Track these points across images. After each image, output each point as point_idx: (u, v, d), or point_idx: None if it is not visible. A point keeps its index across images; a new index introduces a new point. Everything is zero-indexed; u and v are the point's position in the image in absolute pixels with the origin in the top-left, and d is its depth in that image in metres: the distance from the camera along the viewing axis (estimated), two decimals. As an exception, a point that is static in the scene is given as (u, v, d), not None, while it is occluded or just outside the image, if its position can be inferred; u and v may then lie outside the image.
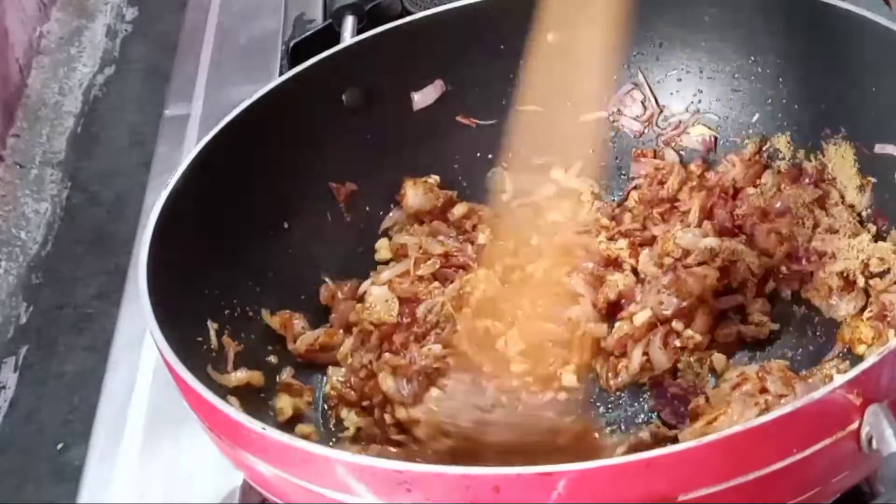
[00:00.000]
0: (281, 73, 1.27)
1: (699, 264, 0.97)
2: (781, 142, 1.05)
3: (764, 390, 0.86)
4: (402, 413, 0.89)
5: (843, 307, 0.93)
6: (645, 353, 0.93)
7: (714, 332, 0.95)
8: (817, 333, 0.94)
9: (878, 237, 0.96)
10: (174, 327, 0.80)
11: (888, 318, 0.89)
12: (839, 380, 0.67)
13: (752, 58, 1.05)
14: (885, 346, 0.69)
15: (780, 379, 0.86)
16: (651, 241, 1.02)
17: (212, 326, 0.90)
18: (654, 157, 1.10)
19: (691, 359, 0.93)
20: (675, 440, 0.87)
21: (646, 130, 1.11)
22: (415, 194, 1.06)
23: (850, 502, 0.80)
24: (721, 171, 1.06)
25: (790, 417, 0.66)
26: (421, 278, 1.00)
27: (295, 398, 0.93)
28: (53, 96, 1.47)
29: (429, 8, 1.09)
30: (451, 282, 1.00)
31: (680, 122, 1.10)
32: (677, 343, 0.93)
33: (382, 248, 1.06)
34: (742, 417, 0.82)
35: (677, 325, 0.93)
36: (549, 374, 0.94)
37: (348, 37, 1.17)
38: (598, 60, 0.99)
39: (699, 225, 1.02)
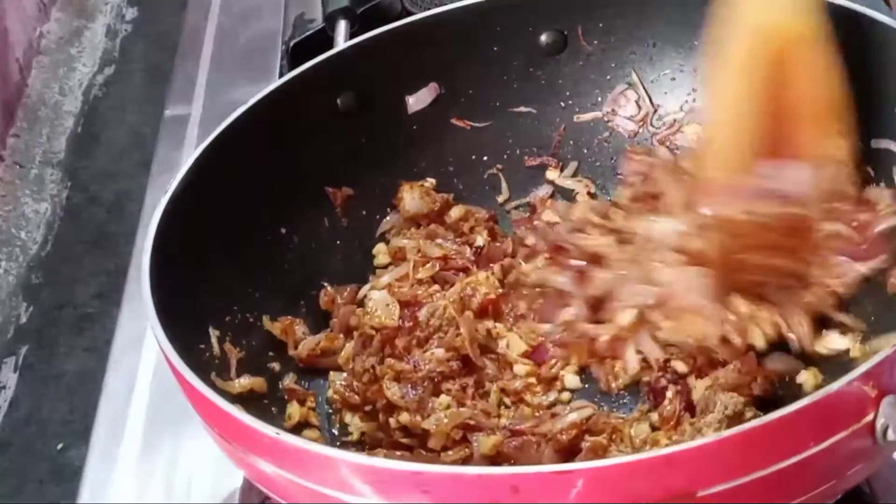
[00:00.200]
0: (281, 74, 1.27)
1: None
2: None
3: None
4: (405, 418, 0.89)
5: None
6: (639, 351, 0.93)
7: None
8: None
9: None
10: (178, 335, 0.80)
11: None
12: (854, 372, 0.68)
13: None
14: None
15: None
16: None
17: (213, 333, 0.90)
18: (648, 155, 1.10)
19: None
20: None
21: (640, 130, 1.11)
22: (411, 198, 1.06)
23: (851, 502, 0.81)
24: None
25: (807, 411, 0.66)
26: (420, 282, 1.00)
27: (300, 404, 0.93)
28: (53, 96, 1.47)
29: (429, 8, 1.10)
30: (451, 285, 0.99)
31: (675, 121, 1.10)
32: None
33: (380, 253, 1.06)
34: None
35: (655, 315, 0.93)
36: (552, 376, 0.94)
37: (341, 41, 1.17)
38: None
39: (684, 213, 1.01)
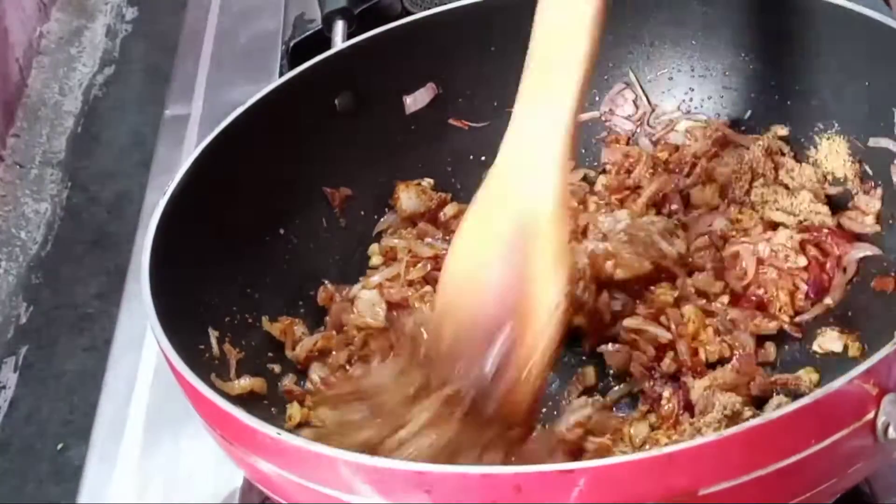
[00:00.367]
0: (281, 74, 1.27)
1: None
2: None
3: None
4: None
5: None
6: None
7: None
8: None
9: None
10: (178, 336, 0.80)
11: None
12: (855, 370, 0.68)
13: (744, 55, 1.06)
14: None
15: None
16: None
17: (213, 334, 0.90)
18: (627, 144, 1.10)
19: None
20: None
21: (638, 129, 1.11)
22: (408, 197, 1.06)
23: (851, 502, 0.81)
24: (680, 144, 1.07)
25: (807, 409, 0.66)
26: (411, 283, 1.00)
27: (300, 404, 0.93)
28: (53, 96, 1.47)
29: (429, 8, 1.09)
30: None
31: (672, 120, 1.10)
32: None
33: (375, 254, 1.06)
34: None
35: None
36: None
37: (339, 41, 1.17)
38: None
39: (646, 209, 1.02)
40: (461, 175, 1.11)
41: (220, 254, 0.94)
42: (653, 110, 1.11)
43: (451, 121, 1.11)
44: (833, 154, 1.00)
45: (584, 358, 0.95)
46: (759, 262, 0.96)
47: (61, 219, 1.33)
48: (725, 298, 0.95)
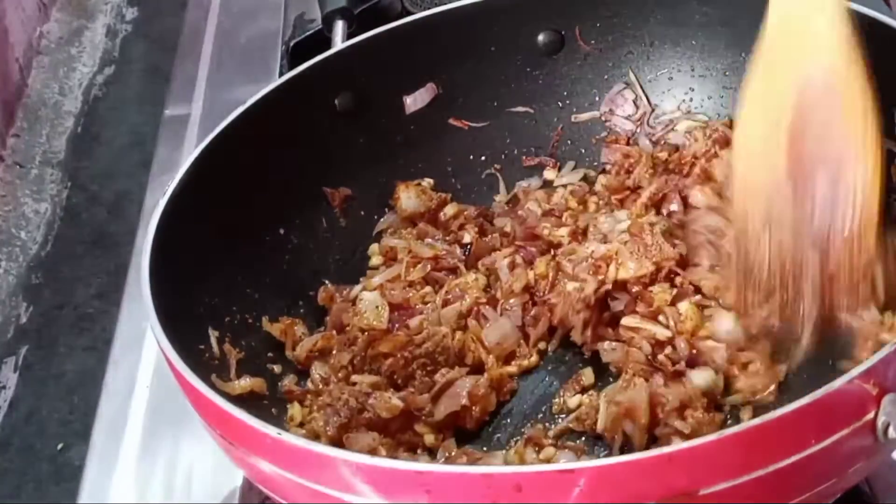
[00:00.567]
0: (281, 74, 1.27)
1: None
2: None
3: None
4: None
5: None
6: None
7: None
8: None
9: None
10: (178, 336, 0.81)
11: None
12: (855, 370, 0.68)
13: (744, 55, 1.05)
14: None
15: None
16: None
17: (213, 334, 0.90)
18: (627, 144, 1.10)
19: None
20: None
21: (638, 129, 1.11)
22: (408, 197, 1.06)
23: (851, 502, 0.81)
24: (680, 144, 1.07)
25: (808, 409, 0.66)
26: (412, 283, 1.00)
27: (301, 405, 0.93)
28: (53, 96, 1.47)
29: (429, 8, 1.10)
30: (441, 286, 1.00)
31: (672, 120, 1.10)
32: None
33: (375, 254, 1.06)
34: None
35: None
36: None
37: (339, 41, 1.17)
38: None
39: (646, 209, 1.02)
40: (461, 175, 1.11)
41: (220, 254, 0.94)
42: (653, 110, 1.11)
43: (451, 121, 1.11)
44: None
45: (584, 357, 0.95)
46: None
47: (61, 219, 1.33)
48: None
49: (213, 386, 0.80)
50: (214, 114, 1.18)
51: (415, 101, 1.09)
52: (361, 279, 1.03)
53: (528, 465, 0.67)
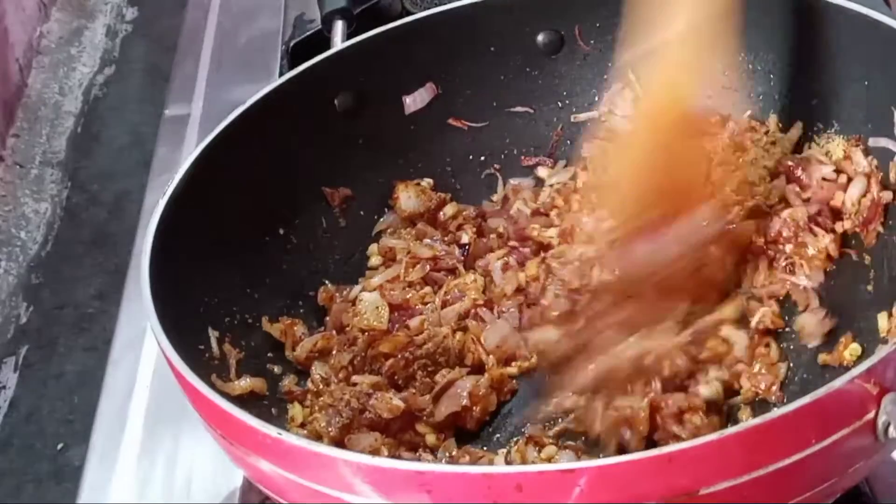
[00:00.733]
0: (281, 74, 1.27)
1: None
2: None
3: None
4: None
5: None
6: None
7: None
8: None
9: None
10: (178, 336, 0.80)
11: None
12: (856, 369, 0.68)
13: (743, 54, 1.05)
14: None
15: None
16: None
17: (213, 334, 0.90)
18: (609, 139, 1.10)
19: None
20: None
21: (637, 130, 1.11)
22: (407, 197, 1.06)
23: (851, 502, 0.81)
24: None
25: (808, 409, 0.66)
26: (411, 284, 1.00)
27: (301, 405, 0.93)
28: (53, 96, 1.47)
29: (429, 8, 1.10)
30: (440, 286, 1.00)
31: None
32: None
33: (374, 254, 1.06)
34: None
35: None
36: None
37: (339, 41, 1.17)
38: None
39: None
40: (461, 175, 1.11)
41: (220, 254, 0.94)
42: (653, 111, 1.11)
43: (450, 121, 1.11)
44: (832, 153, 1.00)
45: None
46: None
47: (61, 219, 1.33)
48: None
49: (213, 386, 0.80)
50: (214, 114, 1.18)
51: (414, 101, 1.09)
52: (361, 279, 1.03)
53: (529, 465, 0.67)
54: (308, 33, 1.34)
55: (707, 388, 0.89)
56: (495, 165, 1.12)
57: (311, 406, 0.92)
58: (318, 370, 0.95)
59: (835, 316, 0.93)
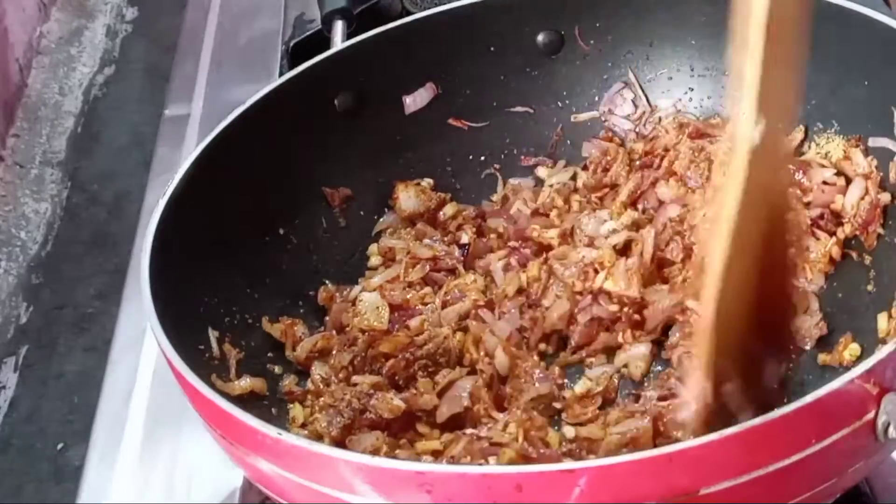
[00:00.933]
0: (281, 73, 1.27)
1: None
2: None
3: None
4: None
5: None
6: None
7: None
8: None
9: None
10: (178, 336, 0.81)
11: None
12: (856, 370, 0.68)
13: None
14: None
15: None
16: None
17: (212, 334, 0.90)
18: (611, 140, 1.10)
19: None
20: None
21: (637, 129, 1.11)
22: (407, 197, 1.06)
23: (850, 502, 0.81)
24: (652, 135, 1.08)
25: (808, 409, 0.67)
26: (411, 284, 1.00)
27: (301, 405, 0.93)
28: (53, 96, 1.47)
29: (429, 8, 1.10)
30: (440, 286, 1.00)
31: (660, 118, 1.10)
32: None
33: (374, 254, 1.06)
34: None
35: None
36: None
37: (339, 41, 1.17)
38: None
39: (625, 209, 1.03)
40: (461, 175, 1.11)
41: (220, 254, 0.94)
42: (652, 110, 1.11)
43: (450, 121, 1.11)
44: (832, 154, 1.00)
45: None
46: None
47: (61, 219, 1.33)
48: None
49: (213, 386, 0.80)
50: (214, 114, 1.18)
51: (414, 101, 1.09)
52: (361, 279, 1.03)
53: (529, 465, 0.66)
54: (308, 33, 1.35)
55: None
56: (495, 165, 1.12)
57: (311, 406, 0.91)
58: (318, 370, 0.94)
59: (831, 320, 0.93)
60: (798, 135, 1.02)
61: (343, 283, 1.02)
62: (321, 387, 0.93)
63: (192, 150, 0.96)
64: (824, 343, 0.92)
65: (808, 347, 0.92)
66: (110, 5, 1.65)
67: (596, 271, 0.97)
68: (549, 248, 1.02)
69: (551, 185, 1.09)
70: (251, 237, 0.98)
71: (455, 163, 1.11)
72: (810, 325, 0.93)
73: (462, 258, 1.03)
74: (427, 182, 1.09)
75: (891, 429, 0.69)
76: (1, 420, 1.11)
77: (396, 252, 1.04)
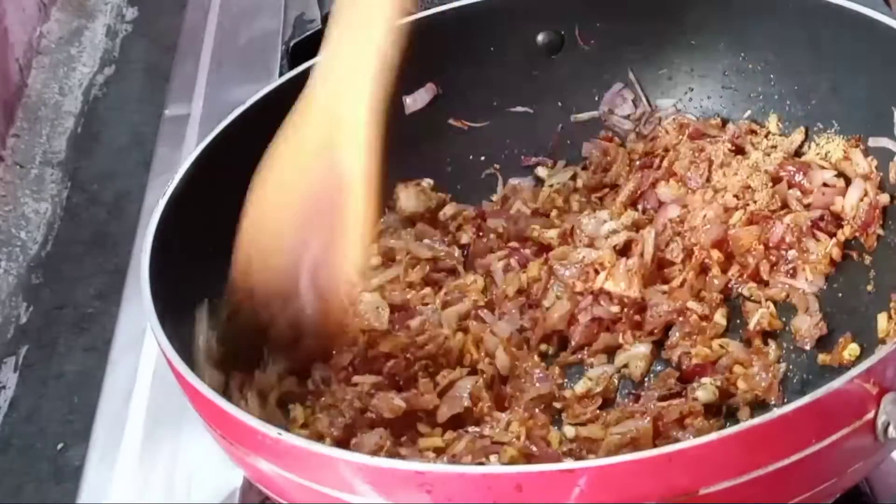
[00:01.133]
0: (281, 74, 1.27)
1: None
2: (773, 137, 1.06)
3: None
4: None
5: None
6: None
7: None
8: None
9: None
10: (178, 335, 0.80)
11: None
12: (855, 370, 0.68)
13: (743, 55, 1.06)
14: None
15: None
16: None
17: (213, 334, 0.90)
18: (611, 140, 1.10)
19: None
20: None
21: (637, 129, 1.11)
22: (407, 197, 1.06)
23: (850, 502, 0.81)
24: (652, 135, 1.08)
25: (808, 408, 0.66)
26: (411, 284, 1.00)
27: (302, 405, 0.93)
28: (53, 96, 1.47)
29: (429, 8, 1.09)
30: (440, 286, 1.00)
31: (660, 119, 1.10)
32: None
33: (373, 255, 1.06)
34: None
35: None
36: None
37: (339, 41, 1.17)
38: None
39: (625, 210, 1.03)
40: (461, 175, 1.11)
41: (221, 253, 0.94)
42: (652, 110, 1.11)
43: (450, 121, 1.11)
44: (832, 154, 1.00)
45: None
46: None
47: (61, 219, 1.33)
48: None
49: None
50: (214, 114, 1.18)
51: (414, 101, 1.09)
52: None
53: (529, 465, 0.66)
54: (308, 33, 1.34)
55: (704, 391, 0.89)
56: (495, 165, 1.12)
57: (312, 407, 0.91)
58: (318, 371, 0.94)
59: (831, 321, 0.93)
60: (798, 136, 1.02)
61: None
62: (322, 387, 0.93)
63: (192, 150, 0.96)
64: (824, 343, 0.92)
65: (807, 348, 0.92)
66: (110, 5, 1.65)
67: (596, 272, 0.97)
68: (549, 248, 1.02)
69: (551, 186, 1.09)
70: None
71: (455, 163, 1.11)
72: (810, 325, 0.93)
73: (462, 259, 1.03)
74: (427, 182, 1.08)
75: (890, 429, 0.68)
76: (1, 420, 1.11)
77: (396, 252, 1.04)
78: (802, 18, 1.00)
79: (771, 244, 0.96)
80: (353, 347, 0.95)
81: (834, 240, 0.95)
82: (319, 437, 0.87)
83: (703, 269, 0.98)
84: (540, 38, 1.10)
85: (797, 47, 1.01)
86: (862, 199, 0.95)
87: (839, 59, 0.97)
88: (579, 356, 0.96)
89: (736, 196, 0.99)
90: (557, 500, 0.65)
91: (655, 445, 0.85)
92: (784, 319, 0.95)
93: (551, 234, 1.03)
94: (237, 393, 0.88)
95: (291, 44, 1.36)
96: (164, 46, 1.53)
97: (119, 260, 1.21)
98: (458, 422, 0.90)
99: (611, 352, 0.96)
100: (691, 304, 0.95)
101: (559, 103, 1.12)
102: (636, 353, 0.95)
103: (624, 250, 0.99)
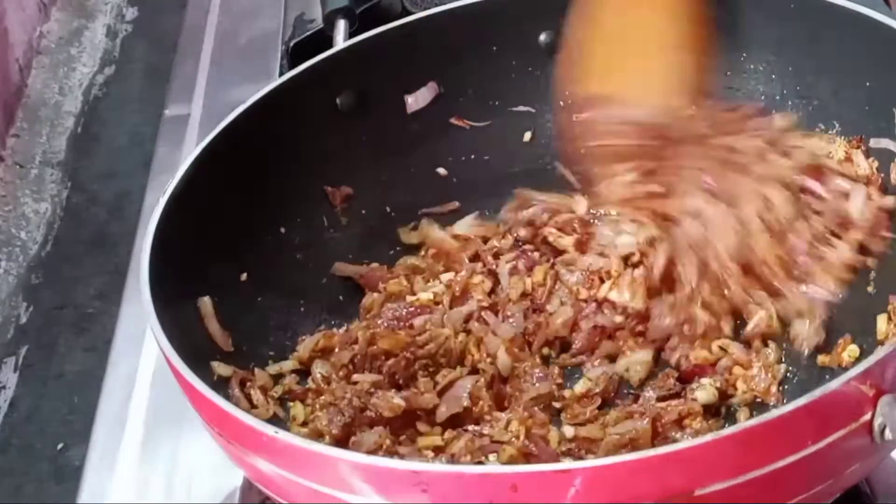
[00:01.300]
0: (281, 73, 1.27)
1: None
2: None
3: None
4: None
5: None
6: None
7: None
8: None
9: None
10: (178, 335, 0.80)
11: None
12: (852, 371, 0.68)
13: (745, 55, 1.05)
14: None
15: None
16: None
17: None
18: None
19: None
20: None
21: (637, 129, 1.11)
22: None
23: (849, 502, 0.81)
24: None
25: (805, 410, 0.66)
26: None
27: (303, 404, 0.93)
28: (53, 96, 1.47)
29: (429, 8, 1.10)
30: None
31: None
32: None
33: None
34: None
35: None
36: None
37: (340, 41, 1.17)
38: None
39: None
40: (462, 175, 1.11)
41: (221, 253, 0.94)
42: (652, 111, 1.10)
43: (452, 120, 1.11)
44: (833, 155, 1.00)
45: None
46: None
47: (61, 219, 1.33)
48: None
49: (212, 386, 0.80)
50: (214, 114, 1.18)
51: (416, 101, 1.09)
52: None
53: (525, 465, 0.67)
54: (308, 33, 1.35)
55: (703, 392, 0.89)
56: (497, 165, 1.11)
57: (312, 405, 0.91)
58: (318, 369, 0.95)
59: (831, 322, 0.93)
60: (815, 142, 1.02)
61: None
62: (322, 385, 0.93)
63: (192, 150, 0.96)
64: (824, 344, 0.92)
65: (808, 352, 0.92)
66: (110, 5, 1.65)
67: (602, 280, 0.97)
68: (562, 252, 1.02)
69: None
70: (252, 236, 0.98)
71: (456, 162, 1.11)
72: (809, 330, 0.92)
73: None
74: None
75: (887, 431, 0.68)
76: (1, 420, 1.11)
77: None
78: (803, 18, 0.99)
79: (790, 255, 0.96)
80: (354, 346, 0.95)
81: (847, 245, 0.95)
82: (319, 436, 0.87)
83: (718, 283, 0.97)
84: (542, 37, 1.10)
85: (798, 47, 1.01)
86: (867, 203, 0.94)
87: (840, 59, 0.97)
88: (579, 360, 0.96)
89: (752, 205, 0.98)
90: (553, 501, 0.65)
91: (654, 446, 0.85)
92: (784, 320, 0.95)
93: (567, 241, 1.02)
94: (237, 391, 0.88)
95: (291, 44, 1.36)
96: (164, 46, 1.53)
97: (119, 260, 1.21)
98: (457, 421, 0.90)
99: (612, 359, 0.96)
100: (699, 313, 0.94)
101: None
102: (637, 359, 0.94)
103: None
